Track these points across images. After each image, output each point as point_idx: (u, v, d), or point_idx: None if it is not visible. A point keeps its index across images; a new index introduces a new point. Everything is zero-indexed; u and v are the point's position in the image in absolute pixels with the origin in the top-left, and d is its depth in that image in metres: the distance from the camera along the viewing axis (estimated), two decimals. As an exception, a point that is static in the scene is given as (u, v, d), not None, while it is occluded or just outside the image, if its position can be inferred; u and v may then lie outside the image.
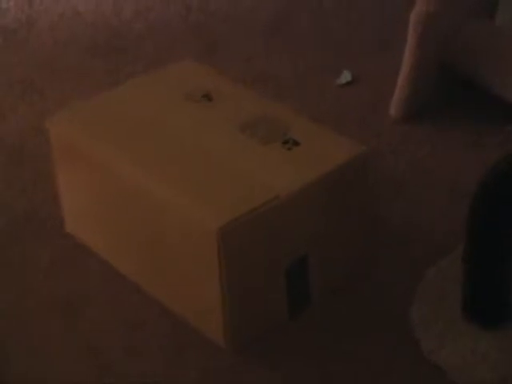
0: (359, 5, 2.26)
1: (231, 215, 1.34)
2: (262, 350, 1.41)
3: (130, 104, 1.58)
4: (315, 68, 2.06)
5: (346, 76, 2.03)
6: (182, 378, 1.38)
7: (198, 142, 1.49)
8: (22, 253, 1.61)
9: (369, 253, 1.54)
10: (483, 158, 1.70)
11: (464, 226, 1.38)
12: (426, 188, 1.72)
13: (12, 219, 1.67)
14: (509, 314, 1.39)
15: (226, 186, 1.41)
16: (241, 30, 2.20)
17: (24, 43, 2.19)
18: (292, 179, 1.41)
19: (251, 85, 2.01)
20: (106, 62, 2.11)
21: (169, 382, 1.38)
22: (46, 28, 2.24)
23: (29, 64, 2.12)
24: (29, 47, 2.18)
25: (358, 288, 1.50)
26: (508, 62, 1.81)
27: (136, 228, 1.49)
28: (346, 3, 2.26)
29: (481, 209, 1.35)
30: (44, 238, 1.63)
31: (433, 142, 1.84)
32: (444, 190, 1.71)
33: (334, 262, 1.48)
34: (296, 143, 1.47)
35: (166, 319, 1.46)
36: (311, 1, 2.28)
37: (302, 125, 1.53)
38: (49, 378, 1.39)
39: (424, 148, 1.82)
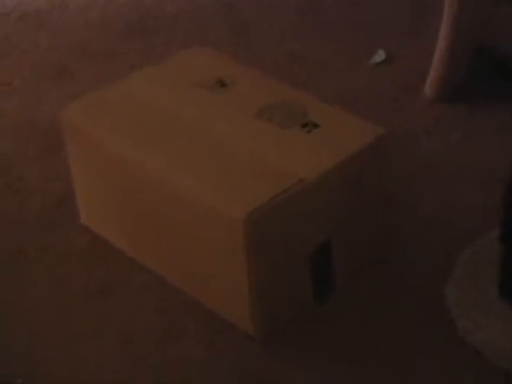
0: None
1: (256, 202, 1.33)
2: (291, 336, 1.41)
3: (143, 93, 1.55)
4: (348, 48, 2.05)
5: (380, 55, 2.01)
6: (216, 365, 1.38)
7: (215, 129, 1.46)
8: (55, 239, 1.61)
9: (389, 236, 1.53)
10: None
11: (498, 208, 1.37)
12: (459, 170, 1.71)
13: (46, 204, 1.68)
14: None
15: (248, 172, 1.39)
16: (272, 11, 2.19)
17: (57, 26, 2.20)
18: (314, 163, 1.39)
19: (283, 66, 2.00)
20: (138, 44, 2.11)
21: (203, 370, 1.38)
22: (78, 10, 2.25)
23: (62, 47, 2.12)
24: (62, 30, 2.18)
25: (382, 271, 1.49)
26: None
27: (157, 219, 1.46)
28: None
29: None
30: (77, 224, 1.63)
31: (467, 123, 1.82)
32: (477, 172, 1.69)
33: (356, 245, 1.47)
34: (315, 126, 1.45)
35: (192, 308, 1.45)
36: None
37: (320, 108, 1.50)
38: (84, 365, 1.41)
39: (458, 129, 1.80)
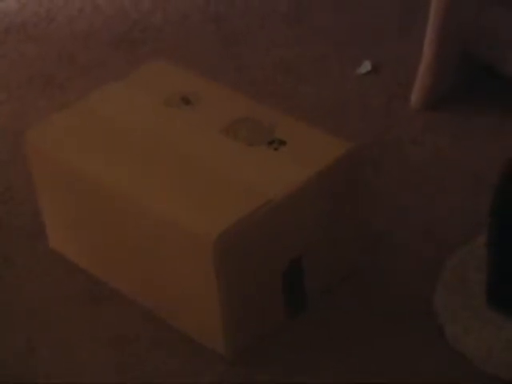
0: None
1: (226, 223, 1.31)
2: (263, 355, 1.39)
3: (109, 112, 1.52)
4: (335, 58, 2.06)
5: (365, 66, 2.02)
6: None
7: (181, 147, 1.45)
8: (45, 246, 1.62)
9: (365, 249, 1.53)
10: (506, 147, 1.69)
11: (486, 214, 1.37)
12: (447, 177, 1.71)
13: (34, 214, 1.67)
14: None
15: (216, 191, 1.37)
16: (260, 21, 2.19)
17: (44, 37, 2.20)
18: (283, 181, 1.38)
19: (271, 75, 2.01)
20: (126, 55, 2.11)
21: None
22: (65, 22, 2.25)
23: (49, 58, 2.12)
24: (49, 41, 2.18)
25: (361, 283, 1.49)
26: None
27: (125, 241, 1.45)
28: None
29: (504, 195, 1.35)
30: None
31: (455, 130, 1.83)
32: (466, 178, 1.70)
33: (329, 261, 1.47)
34: (282, 143, 1.43)
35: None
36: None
37: (287, 124, 1.48)
38: (75, 368, 1.40)
39: (446, 137, 1.81)
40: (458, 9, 1.81)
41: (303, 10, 2.23)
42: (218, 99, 1.55)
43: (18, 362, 1.41)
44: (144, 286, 1.47)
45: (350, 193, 1.47)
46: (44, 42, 2.18)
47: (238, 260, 1.35)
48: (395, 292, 1.49)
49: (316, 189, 1.41)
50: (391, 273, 1.52)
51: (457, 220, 1.61)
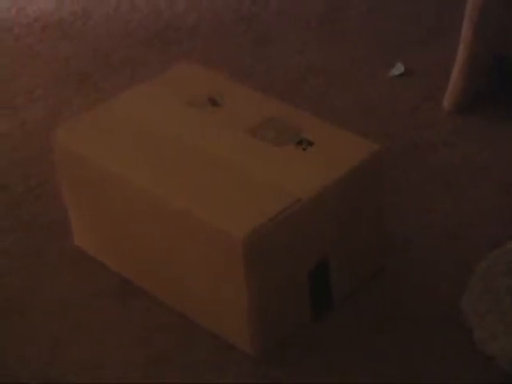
0: (413, -5, 2.25)
1: (256, 222, 1.31)
2: (290, 356, 1.39)
3: (135, 113, 1.54)
4: (367, 60, 2.06)
5: (398, 68, 2.02)
6: None
7: (210, 148, 1.45)
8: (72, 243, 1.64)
9: (392, 251, 1.52)
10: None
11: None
12: (478, 181, 1.71)
13: (66, 209, 1.69)
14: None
15: (245, 191, 1.37)
16: (292, 23, 2.20)
17: (80, 36, 2.23)
18: (311, 181, 1.38)
19: (302, 76, 2.01)
20: (159, 54, 2.13)
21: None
22: (101, 20, 2.28)
23: (84, 56, 2.15)
24: (84, 39, 2.21)
25: (388, 285, 1.49)
26: None
27: (153, 241, 1.45)
28: (400, -6, 2.25)
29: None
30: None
31: (487, 134, 1.82)
32: (496, 183, 1.69)
33: (355, 261, 1.47)
34: (310, 143, 1.44)
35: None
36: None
37: (315, 125, 1.49)
38: (104, 364, 1.42)
39: (478, 141, 1.80)
40: (492, 13, 1.80)
41: (336, 12, 2.23)
42: (245, 100, 1.56)
43: (46, 358, 1.43)
44: (171, 285, 1.47)
45: (376, 194, 1.47)
46: (80, 40, 2.21)
47: (267, 259, 1.35)
48: (421, 295, 1.48)
49: (343, 189, 1.41)
50: (417, 276, 1.52)
51: (485, 225, 1.60)
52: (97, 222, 1.55)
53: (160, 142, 1.48)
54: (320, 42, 2.13)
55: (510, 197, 1.62)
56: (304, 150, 1.43)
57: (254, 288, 1.35)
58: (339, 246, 1.44)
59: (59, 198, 1.63)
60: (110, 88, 2.01)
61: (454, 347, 1.39)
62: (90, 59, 2.13)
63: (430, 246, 1.57)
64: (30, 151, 1.86)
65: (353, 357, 1.39)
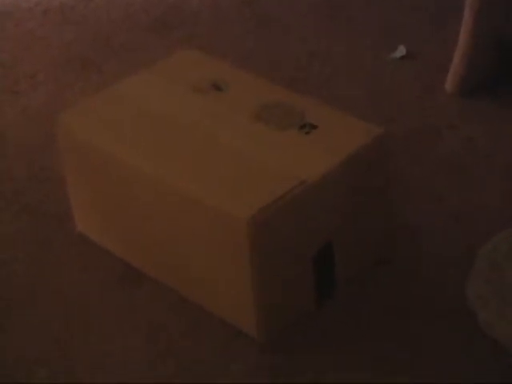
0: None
1: (260, 203, 1.32)
2: (295, 339, 1.39)
3: (139, 98, 1.53)
4: (371, 45, 2.05)
5: (400, 50, 2.02)
6: (223, 370, 1.37)
7: (214, 133, 1.45)
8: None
9: (394, 235, 1.53)
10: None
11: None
12: (481, 165, 1.71)
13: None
14: None
15: (250, 174, 1.38)
16: (295, 7, 2.19)
17: (81, 20, 2.22)
18: (315, 164, 1.38)
19: (305, 62, 2.01)
20: (161, 38, 2.13)
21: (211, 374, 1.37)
22: (102, 4, 2.27)
23: (86, 40, 2.14)
24: (86, 24, 2.20)
25: (392, 269, 1.49)
26: None
27: (158, 225, 1.45)
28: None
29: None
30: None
31: (489, 118, 1.82)
32: (499, 166, 1.69)
33: (358, 245, 1.47)
34: (313, 127, 1.44)
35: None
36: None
37: (317, 109, 1.49)
38: (110, 350, 1.42)
39: (480, 124, 1.80)
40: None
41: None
42: (248, 86, 1.56)
43: (52, 345, 1.43)
44: (176, 270, 1.47)
45: (380, 177, 1.47)
46: (81, 24, 2.20)
47: (271, 240, 1.35)
48: (428, 282, 1.48)
49: (348, 172, 1.41)
50: (422, 260, 1.52)
51: (490, 208, 1.60)
52: (100, 208, 1.55)
53: (164, 127, 1.48)
54: (321, 26, 2.12)
55: (512, 179, 1.63)
56: (307, 133, 1.43)
57: (259, 270, 1.35)
58: (343, 230, 1.44)
59: (63, 184, 1.63)
60: (111, 72, 2.01)
61: (460, 331, 1.39)
62: (92, 43, 2.13)
63: (436, 230, 1.57)
64: (32, 137, 1.86)
65: (357, 344, 1.39)
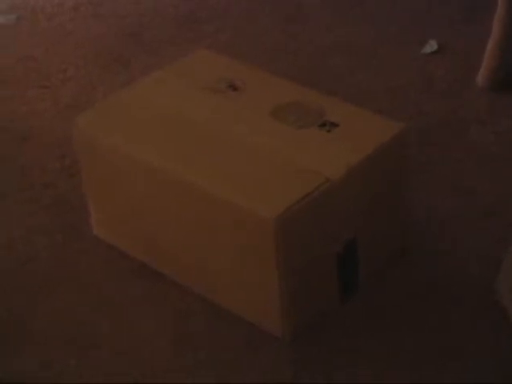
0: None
1: (287, 202, 1.31)
2: (320, 336, 1.39)
3: (156, 99, 1.52)
4: (400, 37, 2.04)
5: (431, 45, 2.00)
6: (247, 367, 1.37)
7: (234, 132, 1.44)
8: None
9: (411, 230, 1.52)
10: None
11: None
12: (510, 159, 1.69)
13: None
14: None
15: (273, 173, 1.37)
16: (323, 1, 2.19)
17: (110, 15, 2.23)
18: (338, 162, 1.38)
19: (332, 55, 2.01)
20: (190, 33, 2.13)
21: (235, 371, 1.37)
22: (131, 0, 2.28)
23: (115, 35, 2.15)
24: (115, 19, 2.21)
25: (415, 265, 1.49)
26: None
27: (180, 225, 1.44)
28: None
29: None
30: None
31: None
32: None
33: (382, 243, 1.47)
34: (334, 125, 1.44)
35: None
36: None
37: (337, 107, 1.49)
38: (133, 345, 1.43)
39: (510, 118, 1.79)
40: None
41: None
42: (265, 85, 1.55)
43: (68, 336, 1.44)
44: (198, 270, 1.46)
45: (400, 172, 1.47)
46: (110, 19, 2.21)
47: (297, 240, 1.35)
48: (455, 275, 1.48)
49: (370, 169, 1.41)
50: (452, 256, 1.51)
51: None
52: (118, 211, 1.54)
53: (183, 127, 1.47)
54: (350, 19, 2.12)
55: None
56: (328, 131, 1.43)
57: (284, 269, 1.34)
58: (366, 225, 1.43)
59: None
60: (140, 67, 2.02)
61: (489, 326, 1.38)
62: (121, 38, 2.14)
63: (465, 224, 1.56)
64: (63, 130, 1.87)
65: (380, 338, 1.38)
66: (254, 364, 1.37)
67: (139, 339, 1.42)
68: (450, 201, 1.61)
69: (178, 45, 2.09)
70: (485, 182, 1.65)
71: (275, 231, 1.31)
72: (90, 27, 2.19)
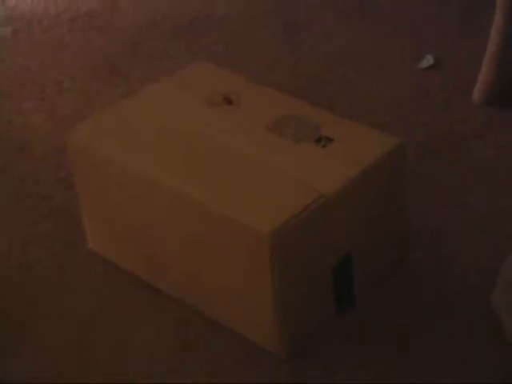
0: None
1: (281, 218, 1.31)
2: (316, 352, 1.38)
3: (151, 112, 1.52)
4: (398, 49, 2.05)
5: (428, 60, 2.01)
6: None
7: (229, 146, 1.44)
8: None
9: (408, 242, 1.52)
10: None
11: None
12: (507, 172, 1.70)
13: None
14: None
15: (268, 188, 1.37)
16: (322, 12, 2.19)
17: (108, 26, 2.23)
18: (333, 177, 1.38)
19: (331, 66, 2.01)
20: (188, 44, 2.13)
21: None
22: (129, 12, 2.28)
23: (113, 47, 2.15)
24: (113, 31, 2.21)
25: (417, 277, 1.49)
26: None
27: (175, 238, 1.43)
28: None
29: None
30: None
31: (517, 126, 1.81)
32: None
33: (378, 257, 1.46)
34: (329, 140, 1.44)
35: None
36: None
37: (332, 121, 1.49)
38: (133, 348, 1.43)
39: (508, 132, 1.79)
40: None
41: (365, 2, 2.22)
42: (261, 99, 1.55)
43: (72, 344, 1.44)
44: (193, 284, 1.46)
45: (397, 187, 1.47)
46: (108, 31, 2.21)
47: (292, 255, 1.34)
48: (452, 288, 1.47)
49: (366, 184, 1.41)
50: (446, 265, 1.51)
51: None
52: (112, 224, 1.53)
53: (179, 140, 1.47)
54: (349, 30, 2.12)
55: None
56: (324, 146, 1.43)
57: (279, 285, 1.34)
58: (362, 240, 1.43)
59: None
60: (138, 79, 2.02)
61: (485, 339, 1.38)
62: (118, 50, 2.14)
63: (461, 236, 1.56)
64: (59, 142, 1.86)
65: (376, 352, 1.38)
66: (253, 376, 1.36)
67: (139, 348, 1.42)
68: (447, 212, 1.61)
69: (177, 57, 2.09)
70: (482, 194, 1.65)
71: (270, 246, 1.30)
72: (87, 39, 2.19)
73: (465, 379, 1.33)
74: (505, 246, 1.50)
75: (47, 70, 2.09)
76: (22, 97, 2.01)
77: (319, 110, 1.53)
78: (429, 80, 1.96)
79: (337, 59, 2.02)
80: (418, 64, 2.00)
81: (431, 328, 1.41)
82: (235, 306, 1.41)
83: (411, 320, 1.42)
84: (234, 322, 1.42)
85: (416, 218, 1.57)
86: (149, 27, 2.21)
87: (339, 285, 1.42)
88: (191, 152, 1.45)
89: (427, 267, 1.51)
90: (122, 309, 1.49)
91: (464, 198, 1.65)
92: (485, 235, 1.56)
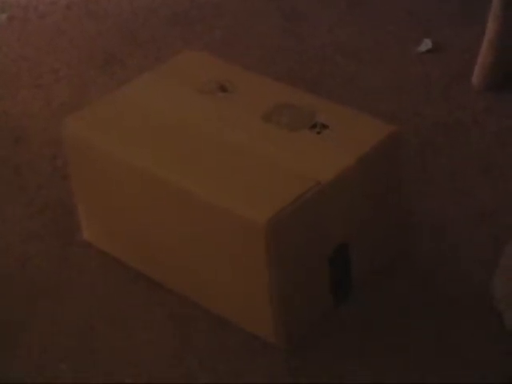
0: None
1: (277, 206, 1.30)
2: (314, 343, 1.38)
3: (146, 101, 1.51)
4: (396, 38, 2.03)
5: (426, 44, 2.00)
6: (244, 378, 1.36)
7: (224, 134, 1.43)
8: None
9: (407, 232, 1.51)
10: None
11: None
12: (508, 159, 1.68)
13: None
14: None
15: (264, 176, 1.36)
16: (320, 0, 2.18)
17: (104, 14, 2.21)
18: (329, 164, 1.37)
19: (331, 55, 2.00)
20: (184, 32, 2.12)
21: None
22: (125, -2, 2.27)
23: (109, 35, 2.14)
24: (109, 18, 2.20)
25: (409, 269, 1.48)
26: None
27: (171, 231, 1.43)
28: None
29: None
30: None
31: (516, 111, 1.80)
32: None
33: (374, 244, 1.45)
34: (324, 126, 1.42)
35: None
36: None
37: (328, 108, 1.47)
38: (133, 345, 1.42)
39: (508, 118, 1.78)
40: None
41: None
42: (255, 87, 1.54)
43: (74, 342, 1.43)
44: (189, 276, 1.45)
45: (393, 175, 1.46)
46: (104, 18, 2.20)
47: (289, 244, 1.34)
48: (451, 278, 1.47)
49: (361, 171, 1.40)
50: (446, 257, 1.50)
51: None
52: (108, 215, 1.52)
53: (173, 129, 1.46)
54: (348, 19, 2.11)
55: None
56: (319, 133, 1.42)
57: (276, 274, 1.33)
58: (358, 229, 1.42)
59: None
60: (135, 67, 2.00)
61: (485, 330, 1.37)
62: (115, 38, 2.12)
63: (461, 226, 1.55)
64: (55, 131, 1.85)
65: (375, 342, 1.37)
66: (254, 370, 1.36)
67: (139, 344, 1.41)
68: (447, 203, 1.60)
69: (174, 44, 2.07)
70: (483, 183, 1.64)
71: (266, 235, 1.30)
72: (84, 26, 2.17)
73: (466, 372, 1.32)
74: (506, 238, 1.49)
75: (43, 57, 2.08)
76: (17, 85, 2.00)
77: (315, 97, 1.52)
78: (428, 64, 1.95)
79: (336, 48, 2.01)
80: (416, 48, 1.99)
81: (430, 320, 1.40)
82: (233, 296, 1.40)
83: (409, 312, 1.41)
84: (231, 313, 1.41)
85: (415, 209, 1.57)
86: (146, 14, 2.19)
87: (336, 273, 1.41)
88: (185, 141, 1.44)
89: (426, 259, 1.50)
90: (120, 304, 1.48)
91: (464, 187, 1.64)
92: (485, 226, 1.55)
